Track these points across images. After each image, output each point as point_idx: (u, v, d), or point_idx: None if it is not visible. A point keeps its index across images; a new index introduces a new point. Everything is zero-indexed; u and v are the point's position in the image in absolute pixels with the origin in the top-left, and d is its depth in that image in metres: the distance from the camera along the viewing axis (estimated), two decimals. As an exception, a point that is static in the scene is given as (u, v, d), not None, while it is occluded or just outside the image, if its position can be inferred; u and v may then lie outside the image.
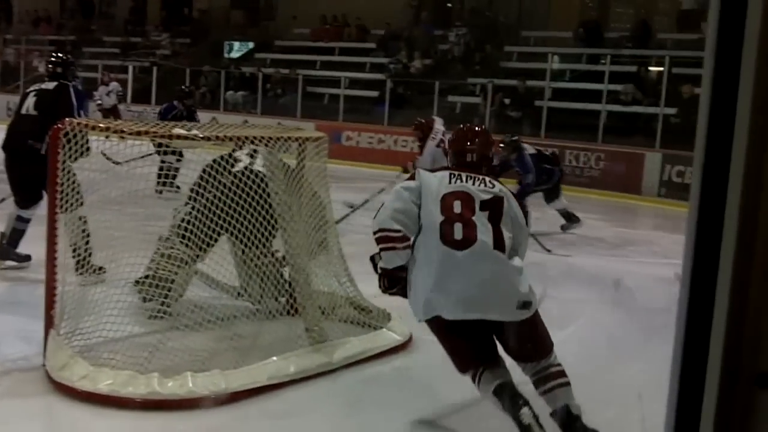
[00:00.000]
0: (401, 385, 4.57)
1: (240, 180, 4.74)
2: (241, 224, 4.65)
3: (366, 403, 4.35)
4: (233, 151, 5.11)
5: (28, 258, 6.33)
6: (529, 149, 9.53)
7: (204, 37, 23.81)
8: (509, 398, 3.55)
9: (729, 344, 1.12)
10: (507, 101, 15.93)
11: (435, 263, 3.61)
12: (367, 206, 9.89)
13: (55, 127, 4.44)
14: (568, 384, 3.67)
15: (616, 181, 13.31)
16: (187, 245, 4.82)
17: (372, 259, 3.94)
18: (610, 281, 7.28)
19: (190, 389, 3.97)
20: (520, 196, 10.17)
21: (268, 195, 4.74)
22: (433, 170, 3.97)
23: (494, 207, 3.74)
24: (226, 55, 22.64)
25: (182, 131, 4.63)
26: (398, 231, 3.66)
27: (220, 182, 4.79)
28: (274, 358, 4.36)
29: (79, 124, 4.51)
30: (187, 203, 5.09)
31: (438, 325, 3.73)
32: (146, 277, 4.87)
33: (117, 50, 24.26)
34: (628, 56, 16.28)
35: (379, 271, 3.82)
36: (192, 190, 5.00)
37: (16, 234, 6.29)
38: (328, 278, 5.15)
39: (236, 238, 4.91)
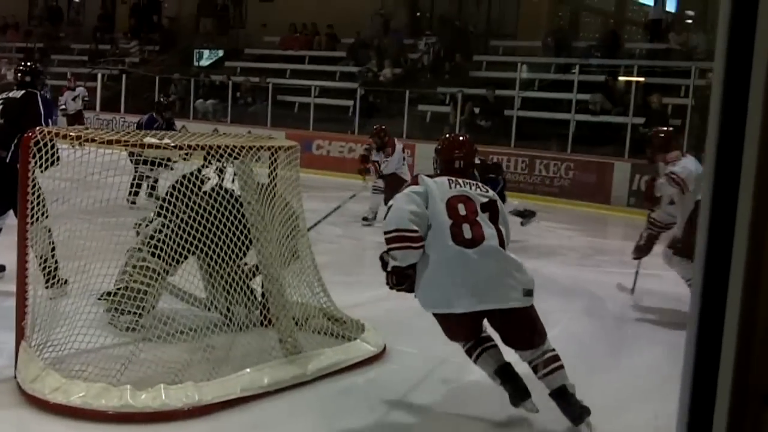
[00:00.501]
0: (376, 396, 4.56)
1: (210, 199, 4.73)
2: (211, 243, 4.63)
3: (340, 415, 4.34)
4: (201, 168, 5.06)
5: (2, 269, 6.24)
6: None
7: (173, 45, 23.68)
8: (514, 385, 4.13)
9: (739, 363, 1.13)
10: (477, 110, 15.99)
11: (448, 262, 3.99)
12: (334, 216, 9.90)
13: (26, 135, 4.38)
14: (562, 366, 4.13)
15: (586, 191, 13.40)
16: (159, 258, 4.78)
17: (381, 257, 4.18)
18: (583, 291, 7.31)
19: (164, 402, 3.93)
20: None
21: (240, 210, 4.72)
22: (429, 176, 4.29)
23: (492, 208, 4.21)
24: (195, 63, 22.55)
25: (154, 140, 4.58)
26: (415, 231, 3.98)
27: (189, 200, 4.74)
28: (248, 369, 4.32)
29: (49, 132, 4.44)
30: (158, 215, 5.03)
31: (443, 313, 4.15)
32: (118, 289, 4.83)
33: (85, 57, 24.06)
34: (597, 66, 16.43)
35: (390, 268, 4.07)
36: (161, 206, 4.95)
37: None
38: (301, 288, 5.13)
39: (205, 256, 4.87)
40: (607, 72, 15.78)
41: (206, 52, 22.95)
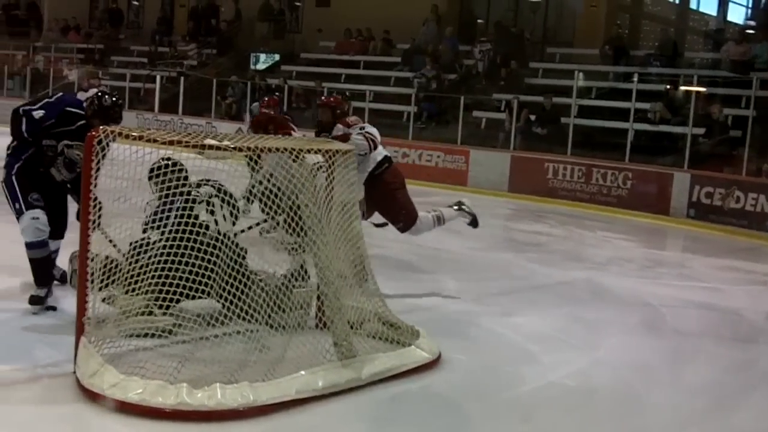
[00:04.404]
0: (429, 404, 4.53)
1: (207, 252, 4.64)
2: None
3: (393, 421, 4.30)
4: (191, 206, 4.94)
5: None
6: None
7: (230, 49, 23.90)
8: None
9: None
10: (533, 118, 15.86)
11: None
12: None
13: (89, 134, 4.41)
14: None
15: (644, 201, 13.18)
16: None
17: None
18: (641, 304, 7.18)
19: (219, 401, 3.93)
20: None
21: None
22: None
23: None
24: (252, 67, 22.71)
25: (214, 141, 4.59)
26: None
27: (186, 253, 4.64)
28: (303, 372, 4.30)
29: (112, 131, 4.45)
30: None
31: None
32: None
33: (144, 59, 24.41)
34: (656, 75, 16.18)
35: None
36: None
37: None
38: (356, 292, 5.10)
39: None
40: (666, 81, 15.53)
41: (263, 56, 23.09)
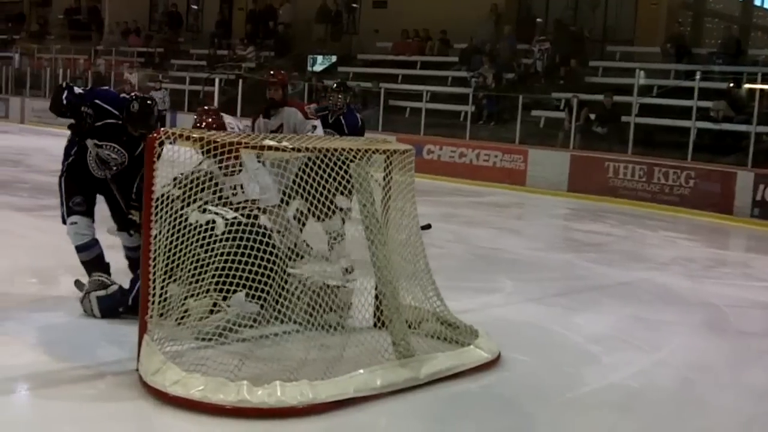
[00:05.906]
0: (489, 403, 4.50)
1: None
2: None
3: (453, 421, 4.28)
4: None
5: None
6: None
7: (288, 51, 24.10)
8: None
9: None
10: (592, 116, 15.69)
11: None
12: (444, 221, 9.83)
13: (151, 135, 4.47)
14: None
15: (707, 201, 12.97)
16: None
17: None
18: (704, 304, 7.06)
19: (279, 398, 3.96)
20: None
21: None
22: None
23: None
24: (309, 68, 22.88)
25: (273, 143, 4.62)
26: None
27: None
28: (361, 370, 4.31)
29: (173, 133, 4.51)
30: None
31: None
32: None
33: (204, 62, 24.75)
34: (719, 73, 15.90)
35: None
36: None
37: None
38: (415, 292, 5.09)
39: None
40: (729, 79, 15.24)
41: (320, 58, 23.24)
